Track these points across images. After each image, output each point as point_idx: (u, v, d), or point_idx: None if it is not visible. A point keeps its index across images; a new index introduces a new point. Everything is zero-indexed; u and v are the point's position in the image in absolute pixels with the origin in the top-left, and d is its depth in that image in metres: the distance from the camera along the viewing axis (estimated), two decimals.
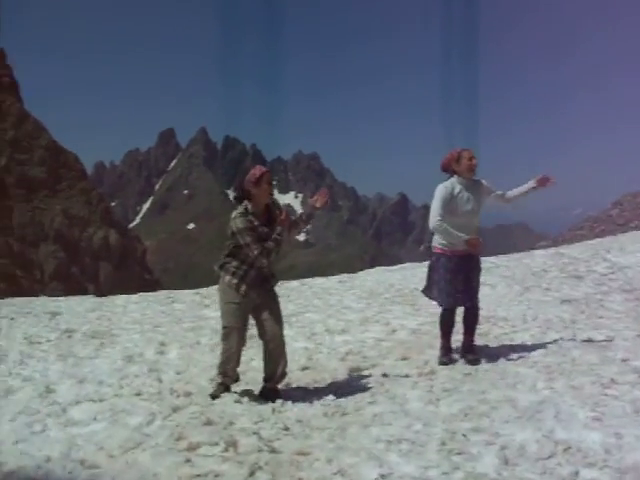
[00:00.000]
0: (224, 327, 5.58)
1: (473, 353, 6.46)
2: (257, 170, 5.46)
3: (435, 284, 6.42)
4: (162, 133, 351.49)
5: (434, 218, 6.20)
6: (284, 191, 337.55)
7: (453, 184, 6.30)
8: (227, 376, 5.65)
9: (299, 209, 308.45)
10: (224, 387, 5.64)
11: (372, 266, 14.65)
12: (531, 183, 6.47)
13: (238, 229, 5.33)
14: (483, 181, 6.43)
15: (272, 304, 5.63)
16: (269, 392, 5.60)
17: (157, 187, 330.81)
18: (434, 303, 8.73)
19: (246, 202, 5.44)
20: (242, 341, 5.64)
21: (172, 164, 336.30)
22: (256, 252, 5.30)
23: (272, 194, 5.64)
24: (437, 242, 6.37)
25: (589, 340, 6.81)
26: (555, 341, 6.84)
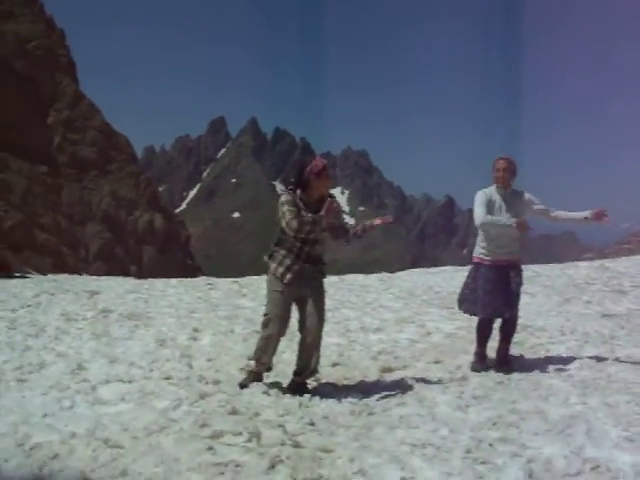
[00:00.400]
0: (265, 314, 5.55)
1: (507, 362, 6.37)
2: (320, 161, 5.44)
3: (472, 293, 6.33)
4: (213, 121, 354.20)
5: (479, 215, 6.12)
6: (332, 186, 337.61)
7: (491, 192, 6.25)
8: (261, 363, 5.62)
9: (345, 206, 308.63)
10: (255, 376, 5.62)
11: (413, 266, 14.59)
12: (586, 213, 6.23)
13: (281, 202, 5.31)
14: (526, 194, 6.28)
15: (317, 297, 5.56)
16: (297, 386, 5.58)
17: (205, 174, 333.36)
18: None
19: (299, 190, 5.40)
20: (282, 330, 5.58)
21: (221, 152, 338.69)
22: (289, 220, 5.23)
23: (329, 188, 5.59)
24: (477, 252, 6.31)
25: (628, 357, 6.65)
26: (592, 356, 6.70)
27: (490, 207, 6.18)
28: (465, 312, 6.50)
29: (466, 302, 6.42)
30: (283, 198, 5.33)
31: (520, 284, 6.30)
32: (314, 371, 5.64)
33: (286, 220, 5.25)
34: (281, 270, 5.42)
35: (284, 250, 5.43)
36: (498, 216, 6.15)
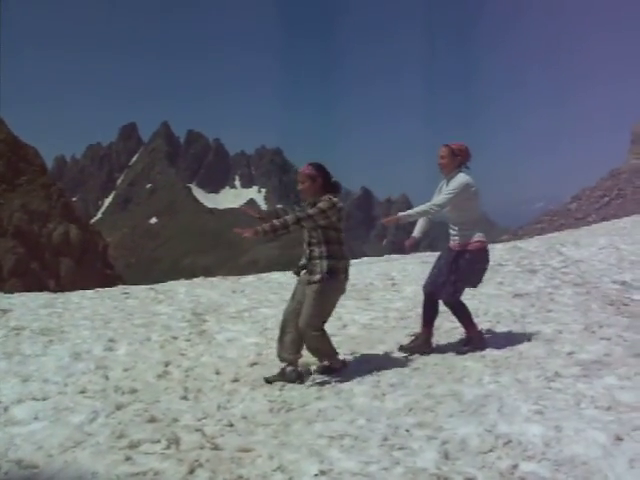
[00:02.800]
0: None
1: (468, 343, 6.65)
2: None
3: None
4: (124, 127, 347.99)
5: None
6: (247, 185, 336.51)
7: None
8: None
9: (262, 204, 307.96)
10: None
11: None
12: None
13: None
14: (452, 182, 6.40)
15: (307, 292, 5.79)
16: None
17: (119, 182, 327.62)
18: (388, 297, 8.76)
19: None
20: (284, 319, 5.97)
21: (134, 158, 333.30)
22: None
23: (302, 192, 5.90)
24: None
25: (537, 334, 6.88)
26: (504, 335, 6.91)
27: (439, 192, 6.55)
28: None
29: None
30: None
31: (448, 269, 6.44)
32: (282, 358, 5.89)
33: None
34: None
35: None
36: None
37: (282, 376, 5.78)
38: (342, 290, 5.90)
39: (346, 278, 5.88)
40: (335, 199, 5.69)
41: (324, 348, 5.84)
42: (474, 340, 6.55)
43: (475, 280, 6.63)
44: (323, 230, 5.68)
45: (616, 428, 4.23)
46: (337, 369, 5.96)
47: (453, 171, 6.43)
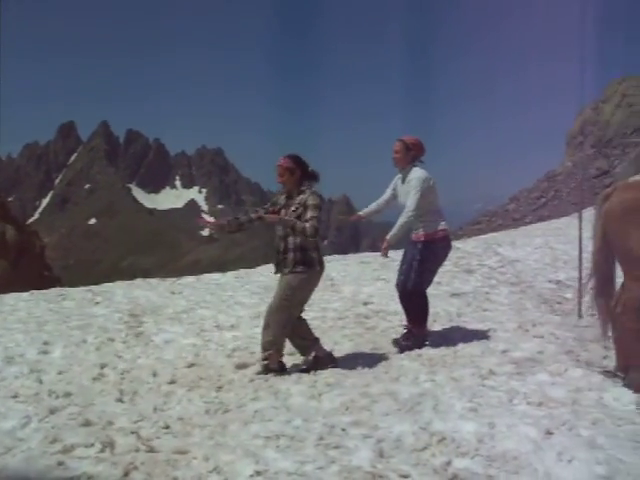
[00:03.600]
0: None
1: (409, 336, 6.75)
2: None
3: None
4: (62, 126, 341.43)
5: None
6: (188, 186, 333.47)
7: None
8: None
9: (203, 204, 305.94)
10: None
11: None
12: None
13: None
14: (410, 179, 6.51)
15: (280, 284, 5.93)
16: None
17: (57, 181, 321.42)
18: (326, 297, 8.77)
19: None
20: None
21: (72, 158, 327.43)
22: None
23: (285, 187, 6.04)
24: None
25: (473, 332, 6.99)
26: (440, 334, 6.99)
27: (394, 186, 6.84)
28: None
29: None
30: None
31: (413, 259, 6.54)
32: (264, 349, 5.93)
33: None
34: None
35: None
36: (399, 193, 6.72)
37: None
38: (316, 282, 5.96)
39: (322, 270, 5.93)
40: (318, 193, 5.88)
41: (280, 336, 5.92)
42: (417, 340, 6.62)
43: (437, 268, 6.82)
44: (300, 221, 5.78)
45: (547, 423, 4.33)
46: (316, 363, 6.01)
47: (407, 165, 6.57)
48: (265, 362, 5.90)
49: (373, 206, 7.05)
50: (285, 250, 5.84)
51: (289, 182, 5.90)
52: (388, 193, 6.93)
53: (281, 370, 5.93)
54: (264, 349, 5.90)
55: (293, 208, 5.83)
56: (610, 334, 5.44)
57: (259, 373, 5.87)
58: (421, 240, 6.51)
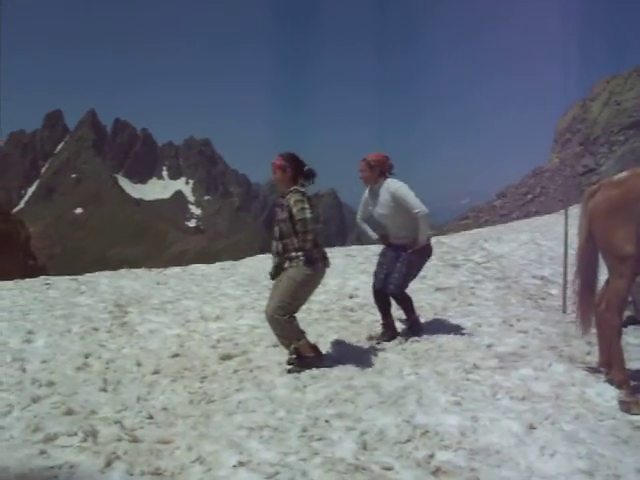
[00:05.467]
0: None
1: (412, 326, 6.93)
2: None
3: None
4: (49, 115, 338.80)
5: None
6: (175, 177, 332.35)
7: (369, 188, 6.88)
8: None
9: (189, 195, 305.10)
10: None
11: (263, 252, 14.52)
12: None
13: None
14: (396, 192, 6.52)
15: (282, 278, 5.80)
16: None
17: (43, 170, 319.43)
18: None
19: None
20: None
21: (59, 147, 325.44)
22: None
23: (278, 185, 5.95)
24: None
25: (457, 327, 7.01)
26: (425, 328, 6.99)
27: (364, 202, 6.95)
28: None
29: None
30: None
31: (404, 263, 6.59)
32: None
33: None
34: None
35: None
36: (370, 208, 6.84)
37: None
38: (318, 280, 5.88)
39: (324, 266, 5.84)
40: (302, 189, 5.75)
41: (290, 333, 5.78)
42: (415, 324, 6.90)
43: (418, 271, 6.91)
44: (292, 222, 5.66)
45: (530, 417, 4.38)
46: (311, 359, 5.80)
47: (377, 181, 6.67)
48: (295, 357, 5.79)
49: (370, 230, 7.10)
50: (285, 250, 5.76)
51: (281, 180, 5.81)
52: (365, 212, 7.00)
53: (319, 355, 5.87)
54: (290, 352, 5.81)
55: (283, 209, 5.75)
56: (592, 330, 5.48)
57: (299, 371, 5.67)
58: (408, 247, 6.59)
